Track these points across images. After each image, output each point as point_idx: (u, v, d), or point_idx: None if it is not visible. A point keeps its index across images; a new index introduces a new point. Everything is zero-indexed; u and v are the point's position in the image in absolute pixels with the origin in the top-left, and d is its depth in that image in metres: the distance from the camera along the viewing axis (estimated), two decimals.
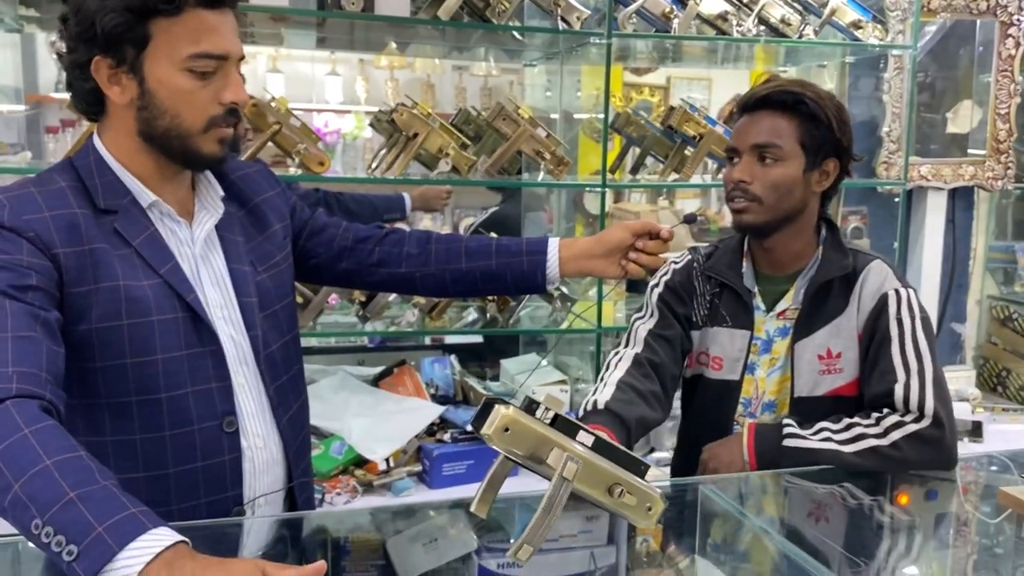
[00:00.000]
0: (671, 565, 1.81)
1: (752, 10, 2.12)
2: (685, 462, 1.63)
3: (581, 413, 1.46)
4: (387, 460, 1.96)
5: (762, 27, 2.18)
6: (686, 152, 2.16)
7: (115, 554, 0.80)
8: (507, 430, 0.98)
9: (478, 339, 3.07)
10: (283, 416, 1.24)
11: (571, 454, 0.99)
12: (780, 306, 1.53)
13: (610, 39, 1.99)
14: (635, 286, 2.48)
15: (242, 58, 1.15)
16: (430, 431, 2.08)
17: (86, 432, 1.12)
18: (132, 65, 1.09)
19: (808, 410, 1.47)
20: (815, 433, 1.42)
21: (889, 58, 2.39)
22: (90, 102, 1.14)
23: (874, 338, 1.45)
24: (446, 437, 2.06)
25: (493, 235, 1.54)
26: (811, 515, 1.39)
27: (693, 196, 5.30)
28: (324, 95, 4.64)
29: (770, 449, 1.42)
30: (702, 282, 1.60)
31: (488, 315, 2.14)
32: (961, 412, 2.13)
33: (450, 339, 3.13)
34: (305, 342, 2.99)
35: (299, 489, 1.30)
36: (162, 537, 0.82)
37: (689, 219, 1.51)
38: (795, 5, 2.21)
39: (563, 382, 2.27)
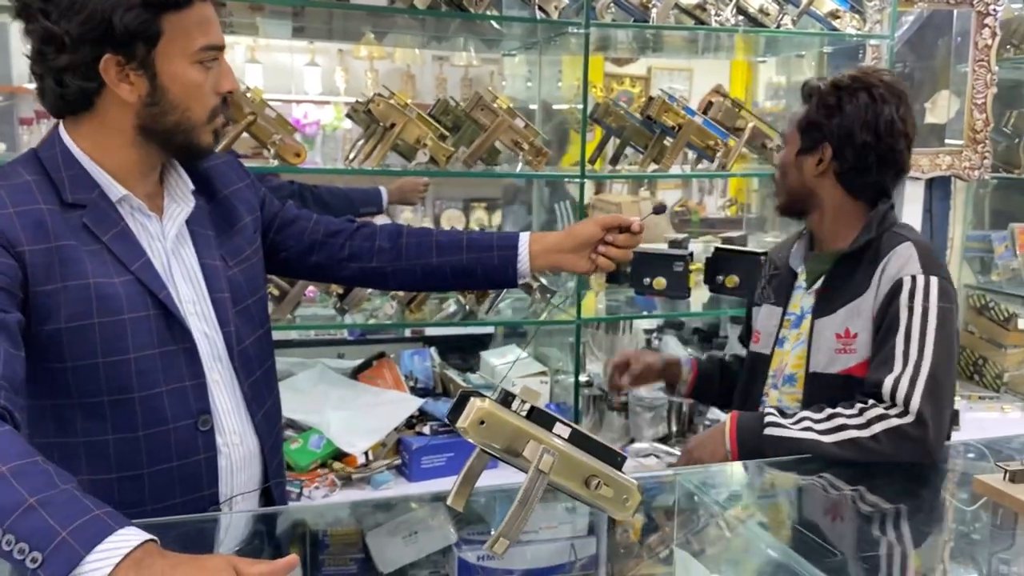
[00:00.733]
0: (649, 556, 1.82)
1: (730, 0, 2.12)
2: None
3: None
4: (366, 453, 1.95)
5: (740, 17, 2.18)
6: (665, 143, 2.16)
7: (82, 558, 0.78)
8: (483, 423, 0.98)
9: (458, 331, 3.07)
10: (258, 412, 1.23)
11: (547, 446, 0.98)
12: (818, 284, 1.57)
13: (588, 29, 1.98)
14: (615, 278, 2.48)
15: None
16: (409, 424, 2.07)
17: (57, 434, 1.10)
18: (142, 62, 1.07)
19: (821, 387, 1.49)
20: (796, 423, 1.42)
21: (867, 48, 2.39)
22: (77, 100, 1.10)
23: (883, 323, 1.45)
24: (425, 430, 2.06)
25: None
26: (790, 506, 1.39)
27: (675, 187, 5.31)
28: (303, 86, 4.61)
29: (751, 438, 1.43)
30: (767, 264, 1.73)
31: (467, 307, 2.13)
32: None
33: (431, 331, 3.12)
34: (284, 335, 3.02)
35: (275, 486, 1.29)
36: (129, 537, 0.80)
37: (658, 210, 1.51)
38: None
39: (543, 373, 2.26)
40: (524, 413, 1.01)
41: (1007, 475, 1.19)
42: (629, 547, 1.49)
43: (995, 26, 2.49)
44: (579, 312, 2.08)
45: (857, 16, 2.27)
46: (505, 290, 2.11)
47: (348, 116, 2.17)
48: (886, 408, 1.37)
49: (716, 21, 2.13)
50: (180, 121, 1.12)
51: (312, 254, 1.37)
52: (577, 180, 2.05)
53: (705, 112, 2.25)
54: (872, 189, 1.54)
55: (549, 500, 1.02)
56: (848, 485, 1.45)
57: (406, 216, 5.22)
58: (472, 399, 0.99)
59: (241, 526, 1.26)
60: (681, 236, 2.57)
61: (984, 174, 2.56)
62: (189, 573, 0.80)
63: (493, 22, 2.11)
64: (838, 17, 2.24)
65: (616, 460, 1.05)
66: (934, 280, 1.43)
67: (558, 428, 1.03)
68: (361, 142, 2.12)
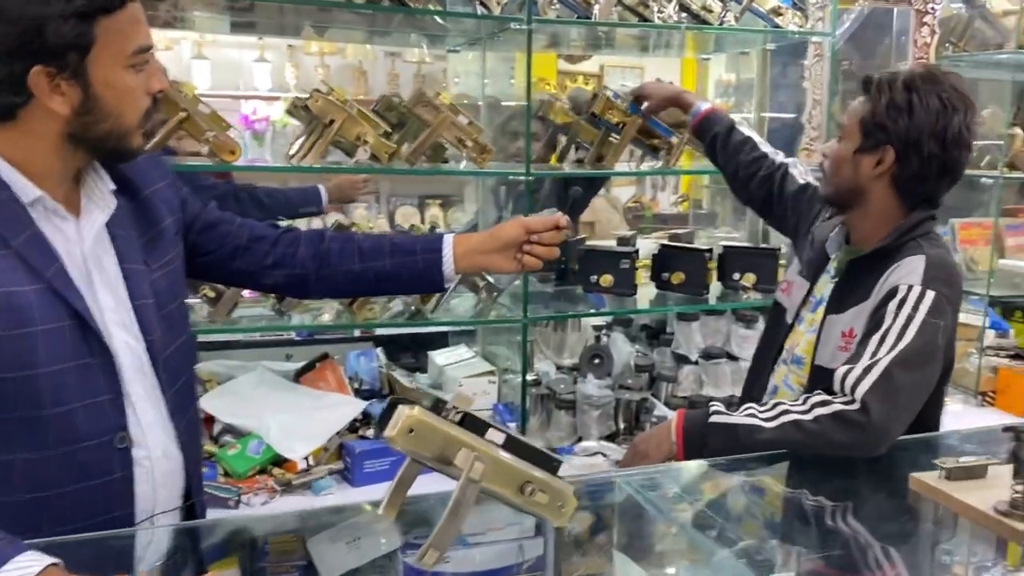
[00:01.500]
0: (591, 560, 1.81)
1: None
2: (745, 397, 1.75)
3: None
4: (307, 458, 1.90)
5: (684, 14, 2.17)
6: (612, 140, 2.14)
7: None
8: (411, 431, 0.95)
9: (409, 330, 3.03)
10: (181, 422, 1.18)
11: (479, 454, 0.95)
12: (839, 277, 1.58)
13: (530, 24, 1.95)
14: (564, 275, 2.46)
15: None
16: (352, 427, 2.03)
17: None
18: (75, 71, 1.02)
19: (823, 380, 1.46)
20: (741, 412, 1.42)
21: (809, 45, 2.41)
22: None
23: (869, 326, 1.44)
24: (369, 433, 2.02)
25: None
26: (731, 507, 1.38)
27: (629, 183, 5.32)
28: (253, 82, 4.51)
29: (696, 427, 1.42)
30: (812, 231, 1.70)
31: (413, 307, 2.09)
32: None
33: (380, 331, 3.07)
34: (229, 336, 2.95)
35: (197, 502, 1.24)
36: (30, 563, 0.76)
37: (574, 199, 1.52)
38: None
39: (491, 373, 2.24)
40: (456, 420, 0.98)
41: (944, 473, 1.19)
42: (577, 547, 1.47)
43: (934, 24, 2.52)
44: (525, 311, 2.06)
45: (799, 13, 2.28)
46: (450, 289, 2.08)
47: (288, 112, 2.11)
48: (832, 395, 1.37)
49: (659, 18, 2.12)
50: (113, 128, 1.08)
51: (234, 259, 1.33)
52: (522, 176, 2.02)
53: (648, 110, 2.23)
54: (922, 196, 1.52)
55: (495, 501, 1.00)
56: (788, 487, 1.45)
57: (360, 213, 5.15)
58: (400, 407, 0.96)
59: (166, 541, 1.21)
60: (629, 233, 2.56)
61: None
62: None
63: (437, 17, 2.07)
64: (780, 14, 2.25)
65: (552, 465, 1.03)
66: (930, 294, 1.39)
67: (491, 435, 1.00)
68: (302, 139, 2.07)
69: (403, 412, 0.95)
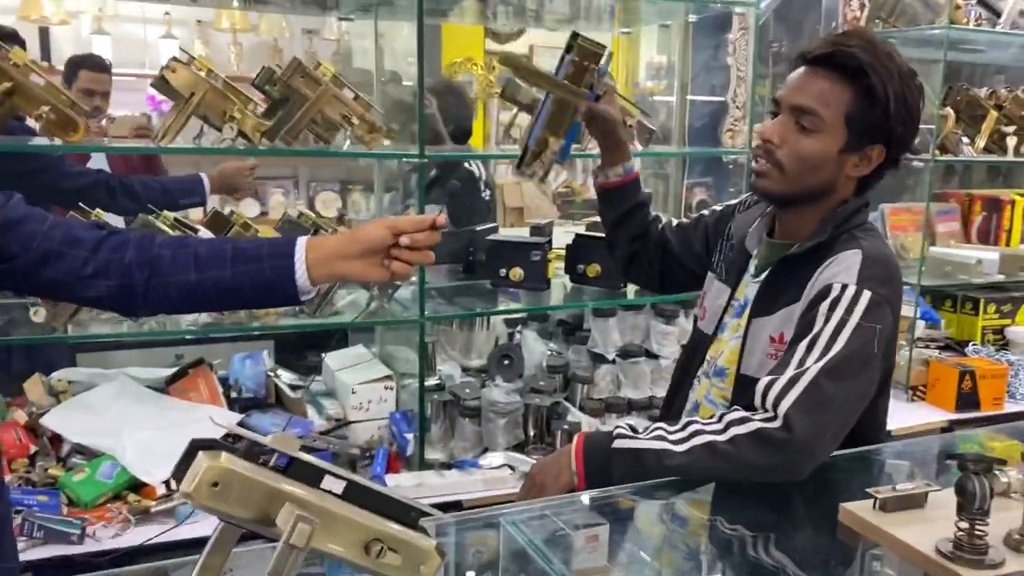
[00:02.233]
0: None
1: None
2: (664, 414, 1.59)
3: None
4: (167, 482, 1.66)
5: None
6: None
7: None
8: (216, 485, 0.73)
9: (305, 329, 2.79)
10: None
11: (304, 511, 0.74)
12: (763, 275, 1.38)
13: None
14: (470, 268, 2.26)
15: None
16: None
17: None
18: None
19: (748, 390, 1.27)
20: (648, 432, 1.23)
21: (733, 18, 2.23)
22: None
23: (797, 329, 1.26)
24: None
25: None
26: (637, 546, 1.20)
27: (561, 168, 5.14)
28: (159, 60, 4.18)
29: (598, 453, 1.23)
30: (728, 230, 1.52)
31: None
32: None
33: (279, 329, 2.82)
34: (112, 328, 2.67)
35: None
36: None
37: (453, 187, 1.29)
38: None
39: (388, 378, 2.02)
40: (278, 467, 0.77)
41: (876, 503, 1.03)
42: None
43: None
44: (422, 309, 1.85)
45: None
46: (336, 285, 1.86)
47: (152, 86, 1.85)
48: (751, 412, 1.20)
49: None
50: None
51: (45, 267, 1.08)
52: (416, 160, 1.80)
53: None
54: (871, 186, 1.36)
55: None
56: (705, 513, 1.28)
57: (277, 199, 4.86)
58: (201, 454, 0.74)
59: None
60: (544, 222, 2.37)
61: None
62: None
63: None
64: None
65: (409, 516, 0.83)
66: (865, 294, 1.23)
67: (328, 483, 0.79)
68: (168, 116, 1.82)
69: (203, 461, 0.73)
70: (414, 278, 1.88)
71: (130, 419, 1.76)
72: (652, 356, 2.20)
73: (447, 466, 1.91)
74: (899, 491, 1.03)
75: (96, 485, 1.62)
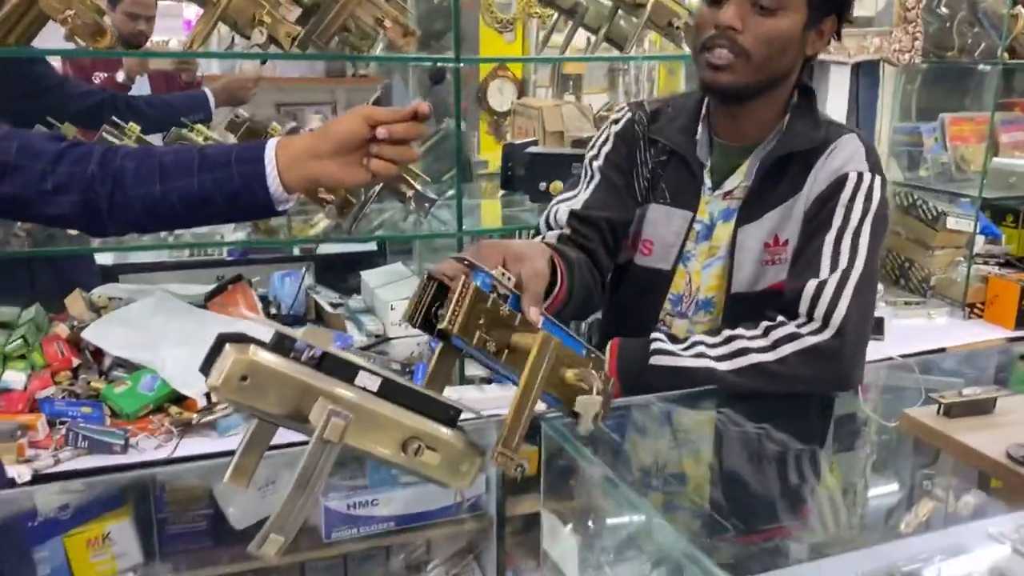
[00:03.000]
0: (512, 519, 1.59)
1: None
2: None
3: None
4: (208, 395, 1.66)
5: None
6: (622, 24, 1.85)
7: None
8: (245, 379, 0.70)
9: (344, 249, 2.77)
10: None
11: (337, 406, 0.71)
12: (728, 184, 1.27)
13: None
14: (510, 183, 2.19)
15: None
16: None
17: None
18: None
19: (745, 309, 1.23)
20: (688, 348, 1.17)
21: None
22: None
23: (813, 222, 1.19)
24: None
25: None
26: (679, 452, 1.16)
27: (601, 91, 4.98)
28: None
29: (635, 368, 1.17)
30: (646, 147, 1.32)
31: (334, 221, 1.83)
32: None
33: (322, 248, 2.81)
34: (156, 256, 2.68)
35: None
36: None
37: (436, 79, 1.20)
38: None
39: None
40: (310, 361, 0.74)
41: (941, 408, 0.97)
42: (527, 483, 1.25)
43: None
44: (460, 223, 1.80)
45: None
46: (371, 198, 1.81)
47: None
48: (799, 325, 1.14)
49: None
50: None
51: (3, 181, 1.03)
52: (452, 64, 1.73)
53: None
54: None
55: None
56: (752, 422, 1.23)
57: (315, 126, 4.80)
58: (227, 346, 0.71)
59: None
60: (585, 135, 2.29)
61: (915, 57, 2.31)
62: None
63: None
64: None
65: (448, 415, 0.79)
66: (878, 180, 1.20)
67: (363, 379, 0.76)
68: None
69: (230, 354, 0.70)
70: (451, 192, 1.82)
71: (169, 333, 1.75)
72: None
73: (487, 381, 1.89)
74: (965, 396, 0.98)
75: (138, 397, 1.62)
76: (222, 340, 0.72)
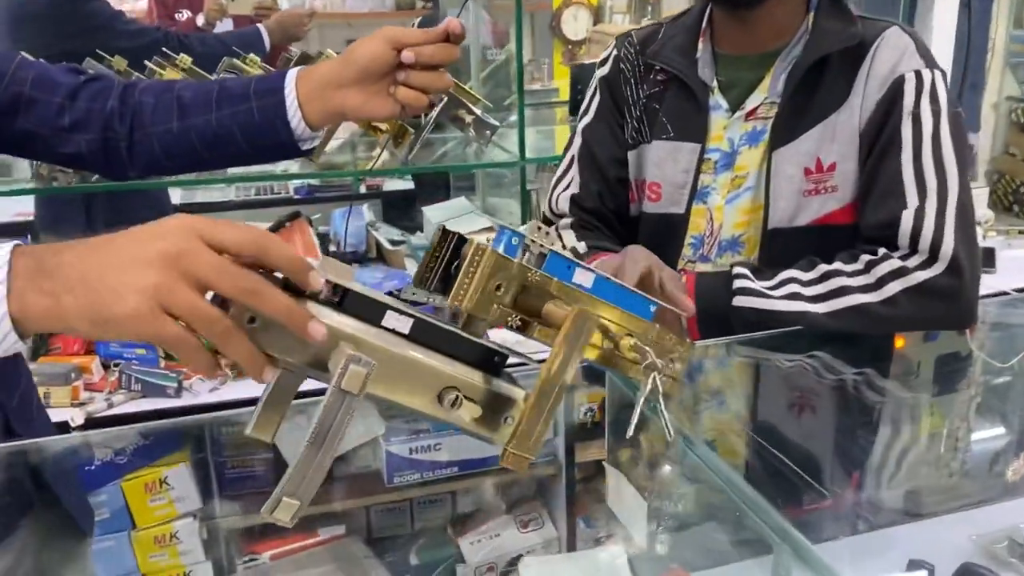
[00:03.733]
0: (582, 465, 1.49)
1: None
2: None
3: None
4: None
5: None
6: None
7: None
8: (254, 321, 0.60)
9: (408, 184, 2.68)
10: None
11: (361, 352, 0.61)
12: (751, 102, 1.11)
13: None
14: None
15: None
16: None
17: None
18: None
19: (786, 248, 1.08)
20: (777, 286, 1.03)
21: None
22: None
23: (878, 141, 1.04)
24: None
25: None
26: (763, 404, 1.03)
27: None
28: None
29: (715, 308, 1.04)
30: (638, 79, 1.18)
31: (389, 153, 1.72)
32: None
33: (388, 185, 2.74)
34: (222, 194, 2.65)
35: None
36: None
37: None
38: None
39: (490, 229, 1.88)
40: (331, 301, 0.63)
41: None
42: (598, 428, 1.17)
43: None
44: (522, 150, 1.67)
45: None
46: (427, 128, 1.69)
47: None
48: (903, 258, 0.99)
49: None
50: None
51: (15, 115, 0.94)
52: None
53: None
54: None
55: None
56: (847, 367, 1.09)
57: None
58: None
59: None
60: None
61: None
62: (123, 252, 0.54)
63: None
64: None
65: (492, 362, 0.68)
66: (939, 75, 1.04)
67: (392, 320, 0.65)
68: None
69: None
70: (512, 117, 1.69)
71: None
72: None
73: None
74: None
75: None
76: None
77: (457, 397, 0.66)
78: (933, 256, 0.98)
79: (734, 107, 1.12)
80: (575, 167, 1.23)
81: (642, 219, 1.20)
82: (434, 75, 0.90)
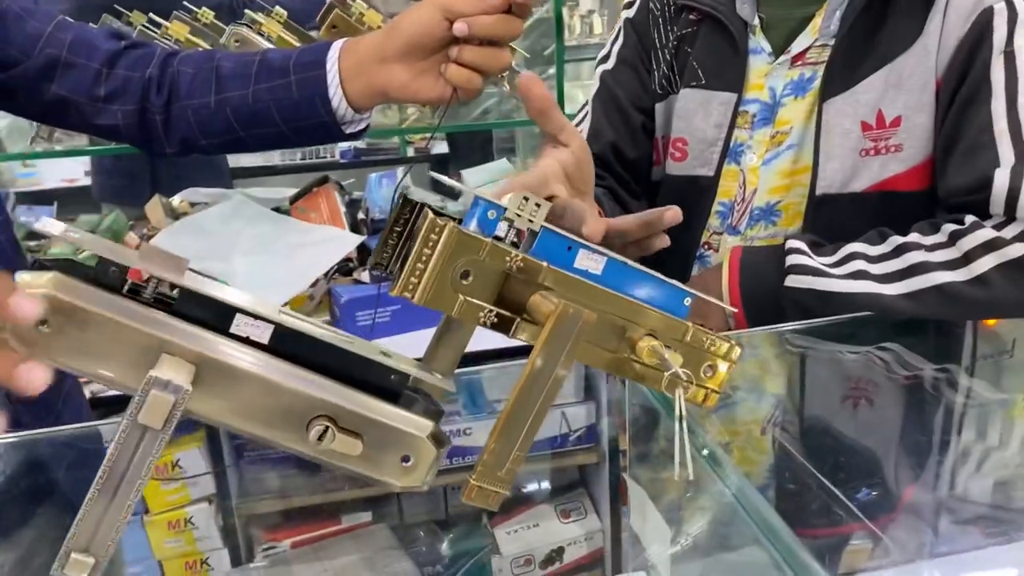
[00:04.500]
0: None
1: None
2: None
3: None
4: (282, 309, 1.49)
5: None
6: None
7: None
8: (44, 324, 0.46)
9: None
10: None
11: (178, 371, 0.46)
12: (798, 44, 0.92)
13: None
14: None
15: None
16: (346, 270, 1.59)
17: None
18: None
19: (834, 220, 0.89)
20: (840, 263, 0.84)
21: None
22: None
23: (962, 88, 0.84)
24: (364, 276, 1.57)
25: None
26: (812, 411, 0.85)
27: None
28: None
29: (763, 290, 0.86)
30: (668, 20, 1.01)
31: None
32: None
33: (438, 148, 2.61)
34: (266, 158, 2.57)
35: None
36: None
37: None
38: None
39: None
40: (157, 300, 0.49)
41: None
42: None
43: None
44: (562, 103, 1.49)
45: None
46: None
47: None
48: (996, 227, 0.79)
49: None
50: None
51: (51, 80, 0.87)
52: None
53: None
54: None
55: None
56: (932, 363, 0.89)
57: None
58: (20, 275, 0.47)
59: None
60: None
61: None
62: None
63: None
64: None
65: (389, 381, 0.52)
66: None
67: (243, 326, 0.50)
68: None
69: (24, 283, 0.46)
70: (551, 70, 1.50)
71: (242, 241, 1.59)
72: None
73: None
74: None
75: None
76: (37, 265, 0.49)
77: (327, 428, 0.50)
78: None
79: (778, 51, 0.93)
80: (589, 111, 1.06)
81: (664, 183, 1.03)
82: (492, 52, 0.75)
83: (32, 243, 1.61)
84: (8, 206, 1.92)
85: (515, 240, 0.53)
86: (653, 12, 1.03)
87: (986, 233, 0.79)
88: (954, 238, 0.81)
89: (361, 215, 1.77)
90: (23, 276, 0.46)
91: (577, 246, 0.54)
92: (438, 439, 0.52)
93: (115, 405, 1.38)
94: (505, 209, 0.51)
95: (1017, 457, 0.83)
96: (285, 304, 1.52)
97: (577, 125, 1.06)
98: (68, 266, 0.48)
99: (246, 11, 1.61)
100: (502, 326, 0.51)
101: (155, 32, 1.55)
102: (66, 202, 2.33)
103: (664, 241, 0.79)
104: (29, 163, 2.79)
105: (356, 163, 2.50)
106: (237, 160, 2.45)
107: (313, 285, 1.53)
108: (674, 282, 0.58)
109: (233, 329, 0.49)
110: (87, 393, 1.35)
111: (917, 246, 0.82)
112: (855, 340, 0.89)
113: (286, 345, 0.50)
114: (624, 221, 0.77)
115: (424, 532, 1.62)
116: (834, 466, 0.76)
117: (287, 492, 1.47)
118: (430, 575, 1.22)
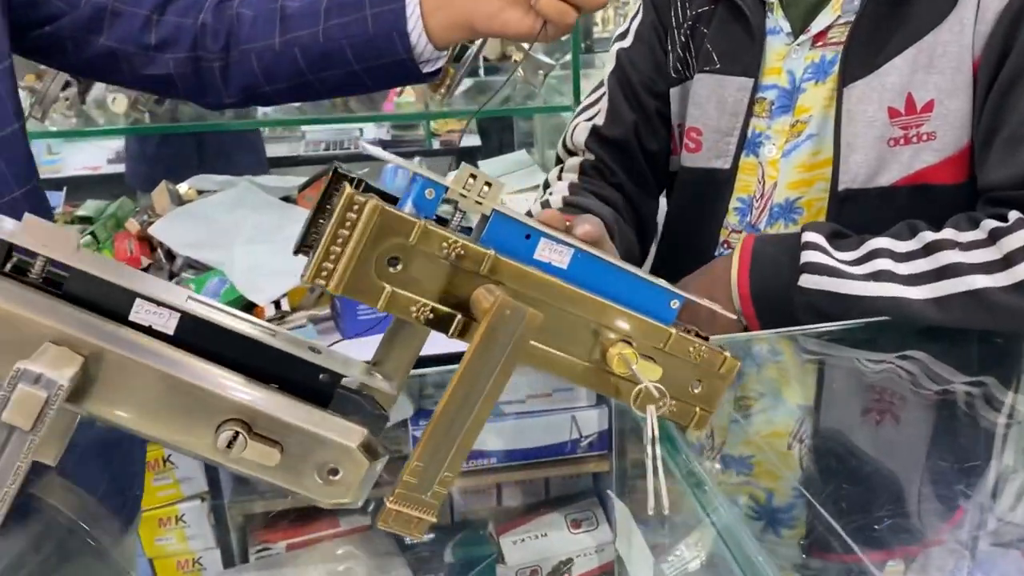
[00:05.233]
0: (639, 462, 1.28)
1: None
2: None
3: None
4: (277, 303, 1.43)
5: None
6: None
7: None
8: None
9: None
10: None
11: (55, 358, 0.39)
12: (819, 22, 0.84)
13: None
14: None
15: None
16: None
17: None
18: None
19: (862, 216, 0.81)
20: (861, 260, 0.76)
21: None
22: None
23: (1002, 69, 0.75)
24: None
25: None
26: (821, 432, 0.77)
27: None
28: None
29: (775, 290, 0.78)
30: (685, 2, 0.93)
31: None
32: None
33: (466, 141, 2.55)
34: (291, 148, 2.53)
35: None
36: None
37: None
38: None
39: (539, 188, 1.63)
40: (44, 282, 0.43)
41: None
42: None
43: None
44: (577, 90, 1.41)
45: None
46: (463, 69, 1.45)
47: None
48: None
49: None
50: None
51: (98, 32, 0.82)
52: None
53: None
54: None
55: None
56: (964, 375, 0.80)
57: None
58: None
59: None
60: None
61: None
62: None
63: None
64: None
65: (315, 382, 0.46)
66: None
67: (145, 313, 0.44)
68: None
69: None
70: (567, 55, 1.43)
71: (244, 230, 1.54)
72: None
73: None
74: None
75: None
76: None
77: (237, 434, 0.43)
78: None
79: (797, 30, 0.85)
80: (604, 93, 0.99)
81: (679, 176, 0.96)
82: None
83: None
84: None
85: (467, 227, 0.46)
86: (667, 24, 0.95)
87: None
88: (995, 236, 0.72)
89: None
90: None
91: (538, 235, 0.47)
92: (370, 450, 0.45)
93: None
94: (447, 188, 0.44)
95: None
96: (284, 296, 1.46)
97: (593, 105, 1.00)
98: None
99: None
100: (440, 324, 0.44)
101: None
102: (82, 189, 2.31)
103: None
104: (54, 150, 2.78)
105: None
106: (272, 150, 2.42)
107: None
108: (660, 281, 0.50)
109: (133, 317, 0.43)
110: None
111: (951, 244, 0.74)
112: (875, 346, 0.80)
113: (195, 337, 0.44)
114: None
115: (428, 538, 1.56)
116: (849, 492, 0.68)
117: (283, 491, 1.42)
118: None
